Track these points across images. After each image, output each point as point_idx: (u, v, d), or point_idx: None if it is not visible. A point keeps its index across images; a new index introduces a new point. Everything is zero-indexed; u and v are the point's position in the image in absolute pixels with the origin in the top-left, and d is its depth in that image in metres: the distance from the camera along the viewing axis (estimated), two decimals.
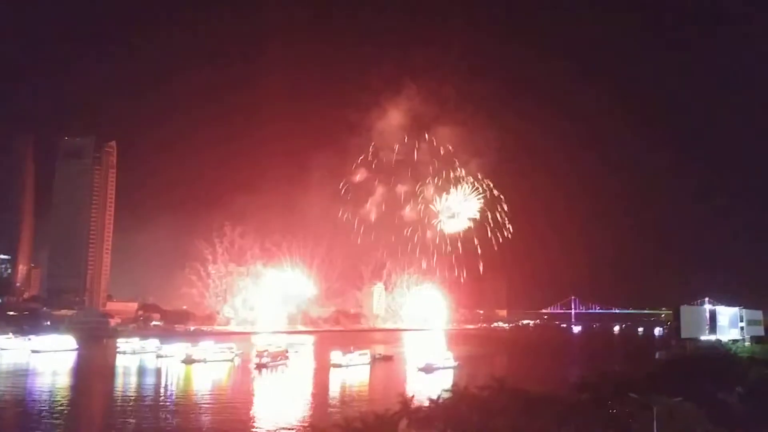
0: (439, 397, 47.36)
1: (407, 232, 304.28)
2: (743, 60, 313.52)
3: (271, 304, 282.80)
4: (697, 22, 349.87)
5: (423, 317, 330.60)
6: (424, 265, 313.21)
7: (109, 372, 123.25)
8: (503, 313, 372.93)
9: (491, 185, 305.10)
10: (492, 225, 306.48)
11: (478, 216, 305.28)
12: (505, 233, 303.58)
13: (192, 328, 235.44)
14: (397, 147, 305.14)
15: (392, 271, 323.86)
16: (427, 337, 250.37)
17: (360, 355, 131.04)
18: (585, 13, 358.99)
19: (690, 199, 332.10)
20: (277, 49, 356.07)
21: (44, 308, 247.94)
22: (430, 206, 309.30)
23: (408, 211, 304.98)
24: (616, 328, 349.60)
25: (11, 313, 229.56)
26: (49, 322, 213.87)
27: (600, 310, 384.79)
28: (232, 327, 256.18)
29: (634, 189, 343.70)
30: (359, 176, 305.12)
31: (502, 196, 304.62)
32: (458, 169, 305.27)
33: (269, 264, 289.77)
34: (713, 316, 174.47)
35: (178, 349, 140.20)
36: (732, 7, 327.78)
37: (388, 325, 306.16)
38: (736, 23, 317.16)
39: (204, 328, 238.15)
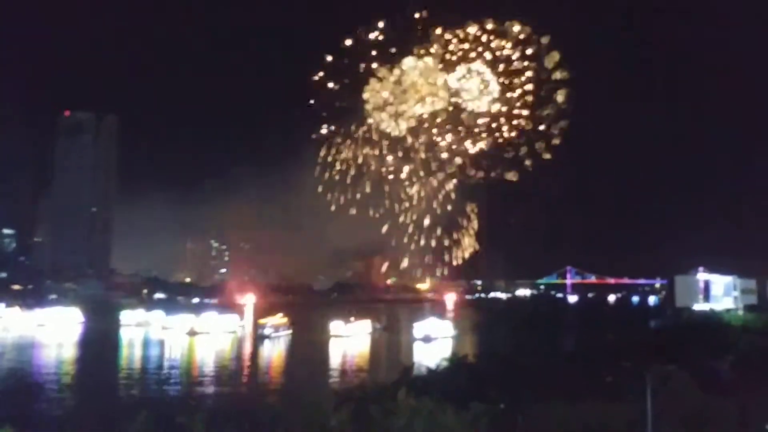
0: (437, 367, 48.73)
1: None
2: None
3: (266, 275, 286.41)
4: None
5: (423, 288, 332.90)
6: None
7: (115, 344, 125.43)
8: (501, 283, 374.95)
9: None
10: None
11: None
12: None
13: (195, 300, 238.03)
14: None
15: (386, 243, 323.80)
16: (428, 307, 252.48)
17: (360, 325, 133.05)
18: None
19: (686, 164, 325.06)
20: (277, 21, 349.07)
21: (49, 282, 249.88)
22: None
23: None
24: (612, 298, 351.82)
25: (17, 287, 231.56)
26: (54, 296, 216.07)
27: (595, 280, 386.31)
28: (234, 298, 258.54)
29: (629, 153, 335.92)
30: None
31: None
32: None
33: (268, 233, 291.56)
34: (707, 285, 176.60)
35: (182, 321, 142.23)
36: None
37: (389, 296, 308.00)
38: None
39: (207, 300, 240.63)
